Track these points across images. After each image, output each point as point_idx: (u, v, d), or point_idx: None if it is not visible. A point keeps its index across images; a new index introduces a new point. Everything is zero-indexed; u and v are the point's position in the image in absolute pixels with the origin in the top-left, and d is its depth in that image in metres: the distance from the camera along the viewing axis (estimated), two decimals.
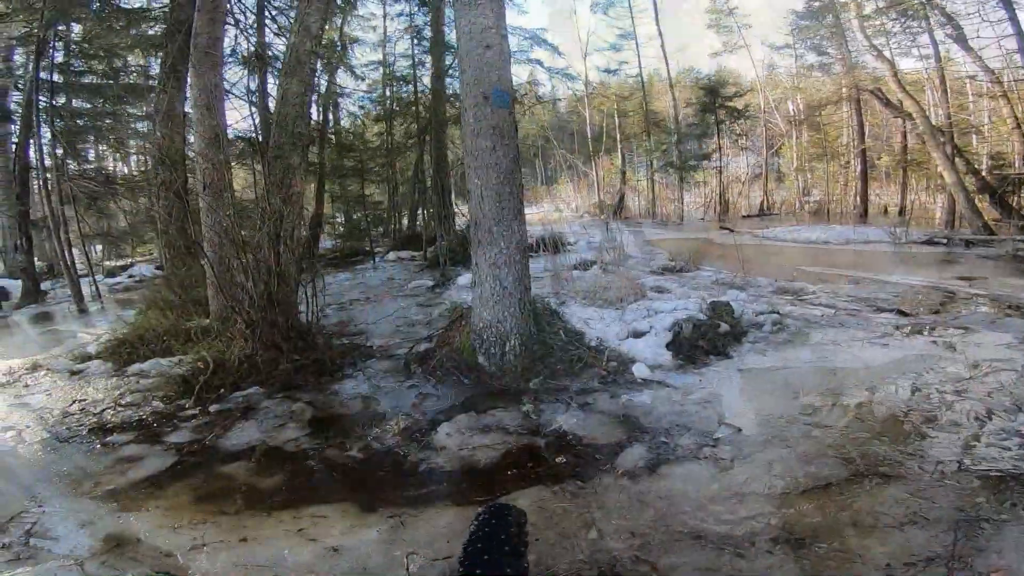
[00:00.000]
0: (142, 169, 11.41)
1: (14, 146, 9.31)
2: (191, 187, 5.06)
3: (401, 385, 3.09)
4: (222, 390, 2.94)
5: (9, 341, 5.41)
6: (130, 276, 10.50)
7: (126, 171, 12.47)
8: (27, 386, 3.50)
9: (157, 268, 11.06)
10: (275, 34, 8.96)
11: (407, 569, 1.49)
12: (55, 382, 3.55)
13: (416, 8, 11.04)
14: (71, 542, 1.73)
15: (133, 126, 11.37)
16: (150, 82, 9.91)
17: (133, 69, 10.35)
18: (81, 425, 2.77)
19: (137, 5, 8.55)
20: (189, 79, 4.49)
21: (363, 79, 11.82)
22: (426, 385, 3.02)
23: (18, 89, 9.37)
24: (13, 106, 9.59)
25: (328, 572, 1.55)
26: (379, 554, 1.63)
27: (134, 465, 2.35)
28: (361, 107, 12.14)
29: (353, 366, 3.35)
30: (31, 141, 8.05)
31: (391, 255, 10.27)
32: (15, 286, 8.63)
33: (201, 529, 1.79)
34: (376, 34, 11.92)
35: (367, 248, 10.50)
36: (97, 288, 8.02)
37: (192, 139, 4.49)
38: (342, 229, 11.84)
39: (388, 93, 11.69)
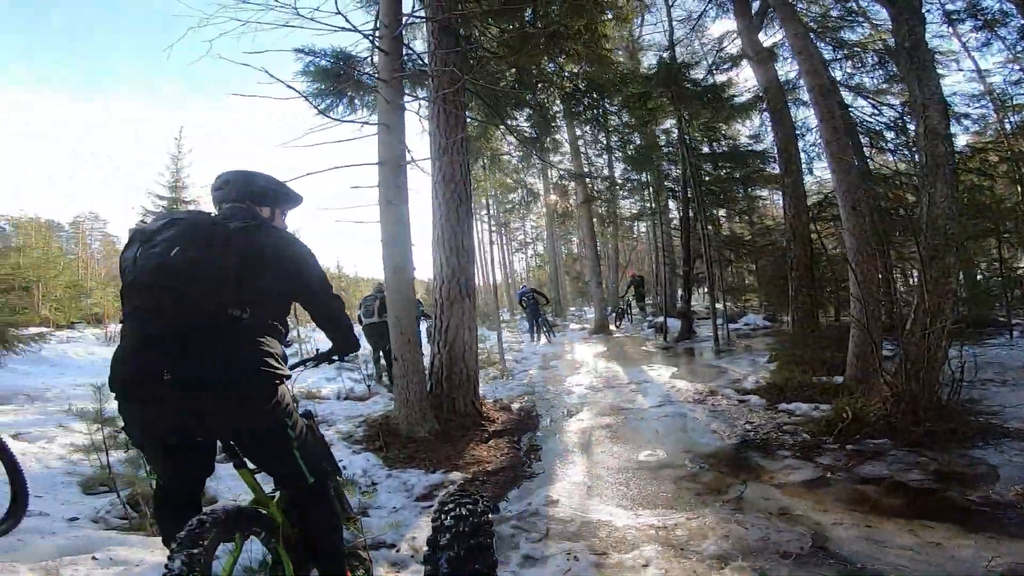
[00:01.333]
0: (758, 230, 14.39)
1: (673, 217, 14.23)
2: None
3: None
4: (857, 436, 4.17)
5: (685, 368, 8.65)
6: (745, 324, 13.58)
7: (742, 228, 15.99)
8: (713, 406, 5.83)
9: (765, 319, 13.70)
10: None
11: (986, 565, 2.29)
12: (729, 405, 5.76)
13: None
14: (761, 505, 3.28)
15: (751, 191, 14.56)
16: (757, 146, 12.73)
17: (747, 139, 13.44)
18: (755, 438, 4.57)
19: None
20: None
21: None
22: None
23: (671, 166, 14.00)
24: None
25: (925, 557, 2.46)
26: (968, 554, 2.44)
27: (794, 471, 3.87)
28: None
29: (984, 440, 3.89)
30: (689, 211, 12.01)
31: None
32: (675, 324, 12.91)
33: (839, 516, 3.01)
34: None
35: (1000, 317, 9.02)
36: (728, 332, 11.06)
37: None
38: (963, 293, 10.60)
39: None
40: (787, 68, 10.17)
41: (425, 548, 1.06)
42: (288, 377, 1.78)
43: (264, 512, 1.77)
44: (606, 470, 4.02)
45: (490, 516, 1.12)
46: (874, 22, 9.13)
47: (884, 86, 9.50)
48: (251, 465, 1.82)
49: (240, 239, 1.69)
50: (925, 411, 4.04)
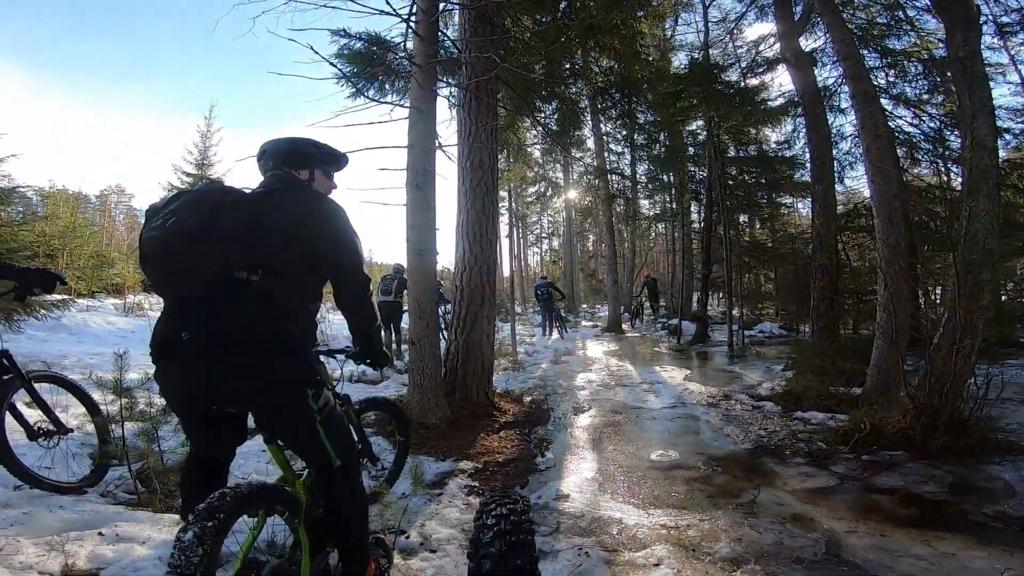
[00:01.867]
0: (781, 237, 14.21)
1: (694, 220, 14.07)
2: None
3: None
4: (874, 447, 4.15)
5: (699, 371, 8.59)
6: (760, 331, 13.44)
7: (763, 235, 15.80)
8: (726, 410, 5.78)
9: (781, 327, 13.54)
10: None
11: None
12: (743, 410, 5.72)
13: None
14: (775, 510, 3.24)
15: (775, 197, 14.36)
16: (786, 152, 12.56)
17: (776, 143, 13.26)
18: (770, 444, 4.53)
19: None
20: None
21: None
22: None
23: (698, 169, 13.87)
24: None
25: (938, 566, 2.45)
26: (981, 565, 2.44)
27: (808, 479, 3.83)
28: None
29: (1002, 456, 3.87)
30: (712, 215, 11.88)
31: None
32: (688, 327, 12.82)
33: (853, 524, 2.98)
34: None
35: (1022, 339, 8.88)
36: (743, 339, 10.94)
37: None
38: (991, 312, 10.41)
39: None
40: (824, 74, 10.01)
41: (468, 547, 1.08)
42: (312, 351, 1.78)
43: (289, 491, 1.75)
44: (617, 467, 4.00)
45: (531, 515, 1.14)
46: (921, 32, 8.98)
47: (926, 96, 9.29)
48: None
49: (254, 201, 1.69)
50: (946, 426, 3.98)
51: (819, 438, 4.56)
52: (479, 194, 5.72)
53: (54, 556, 2.03)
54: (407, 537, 2.66)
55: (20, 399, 2.88)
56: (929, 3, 5.84)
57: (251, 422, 1.81)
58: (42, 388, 3.01)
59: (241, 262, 1.60)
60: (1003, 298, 10.12)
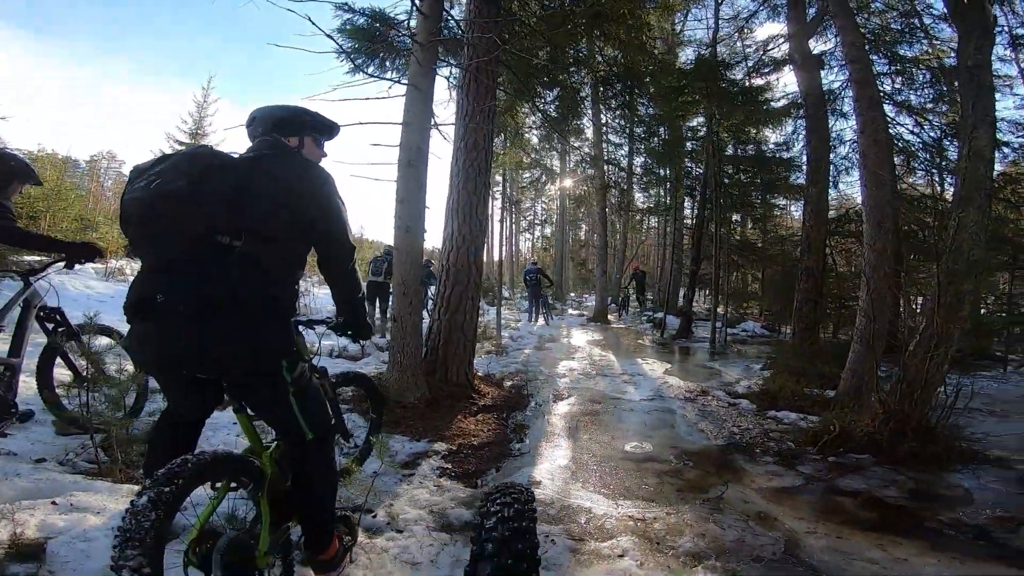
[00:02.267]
0: (771, 239, 14.27)
1: (687, 215, 14.07)
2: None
3: (1008, 489, 3.54)
4: (841, 449, 4.22)
5: (679, 366, 8.66)
6: (743, 330, 13.56)
7: (754, 235, 15.89)
8: (703, 405, 5.82)
9: (764, 327, 13.67)
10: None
11: None
12: (719, 407, 5.78)
13: None
14: (740, 507, 3.29)
15: (769, 199, 14.39)
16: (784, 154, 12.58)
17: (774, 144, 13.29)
18: (742, 442, 4.59)
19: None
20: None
21: None
22: None
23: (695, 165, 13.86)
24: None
25: (889, 571, 2.49)
26: (931, 572, 2.49)
27: (775, 478, 3.88)
28: None
29: (964, 465, 3.97)
30: (705, 212, 11.90)
31: None
32: (673, 322, 12.90)
33: (813, 525, 3.01)
34: None
35: (997, 351, 9.07)
36: (725, 336, 11.03)
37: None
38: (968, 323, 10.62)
39: None
40: (830, 77, 9.99)
41: (471, 534, 1.14)
42: (290, 320, 1.73)
43: (255, 462, 1.72)
44: (591, 457, 4.02)
45: (534, 505, 1.18)
46: (935, 40, 8.99)
47: (929, 105, 9.31)
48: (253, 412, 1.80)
49: (243, 166, 1.65)
50: (914, 432, 4.05)
51: (790, 438, 4.62)
52: (471, 175, 5.64)
53: (4, 525, 1.96)
54: (374, 516, 2.64)
55: None
56: (946, 10, 5.79)
57: None
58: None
59: (227, 226, 1.56)
60: (983, 311, 10.30)
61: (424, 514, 2.75)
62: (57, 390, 3.14)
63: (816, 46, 9.24)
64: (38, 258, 3.22)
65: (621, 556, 2.47)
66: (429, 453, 3.88)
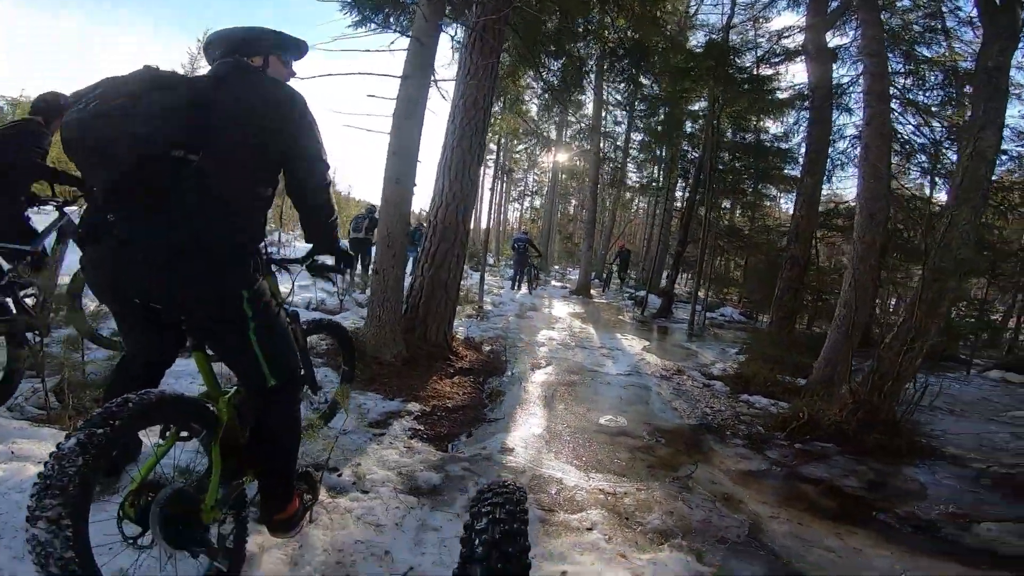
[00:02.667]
0: (758, 227, 14.28)
1: (679, 195, 13.97)
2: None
3: (961, 486, 3.64)
4: (808, 436, 4.26)
5: (657, 344, 8.70)
6: (721, 315, 13.69)
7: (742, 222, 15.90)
8: (678, 384, 5.82)
9: (742, 314, 13.81)
10: None
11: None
12: (693, 387, 5.79)
13: None
14: (708, 487, 3.30)
15: (761, 188, 14.35)
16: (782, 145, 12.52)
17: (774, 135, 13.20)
18: (713, 423, 4.60)
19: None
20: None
21: None
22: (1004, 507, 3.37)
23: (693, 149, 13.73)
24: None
25: (844, 561, 2.52)
26: (883, 564, 2.54)
27: (743, 460, 3.90)
28: None
29: (922, 460, 4.09)
30: (697, 195, 11.82)
31: (994, 372, 8.73)
32: (655, 301, 12.94)
33: (776, 510, 3.03)
34: None
35: (962, 355, 9.31)
36: (704, 319, 11.09)
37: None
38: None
39: None
40: (840, 72, 9.89)
41: (462, 532, 1.08)
42: (253, 253, 1.57)
43: (210, 408, 1.56)
44: (565, 427, 3.98)
45: (526, 506, 1.13)
46: (955, 42, 8.91)
47: (935, 108, 9.25)
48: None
49: (201, 83, 1.50)
50: (880, 424, 4.14)
51: (760, 422, 4.65)
52: (468, 133, 5.44)
53: None
54: (339, 475, 2.55)
55: None
56: (976, 11, 5.68)
57: None
58: None
59: (181, 139, 1.40)
60: (953, 315, 10.51)
61: (392, 475, 2.67)
62: None
63: (831, 40, 9.09)
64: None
65: (590, 529, 2.43)
66: (402, 413, 3.79)
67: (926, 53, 9.08)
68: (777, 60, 10.29)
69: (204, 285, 1.44)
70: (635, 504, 2.79)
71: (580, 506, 2.68)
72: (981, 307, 9.52)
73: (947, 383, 7.76)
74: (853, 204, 9.65)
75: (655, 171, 17.63)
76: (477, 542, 1.01)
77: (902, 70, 9.23)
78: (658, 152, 15.84)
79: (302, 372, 1.76)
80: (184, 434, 1.49)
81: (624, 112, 16.10)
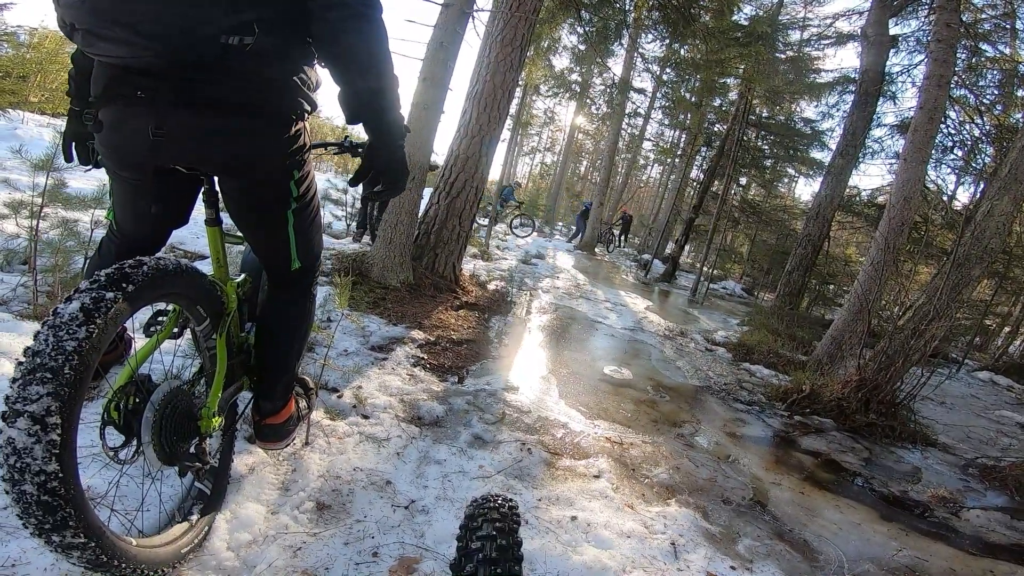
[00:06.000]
0: (774, 206, 13.79)
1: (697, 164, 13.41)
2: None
3: (954, 474, 3.57)
4: (807, 410, 4.06)
5: (660, 305, 8.44)
6: (723, 288, 13.40)
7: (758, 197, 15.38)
8: (681, 345, 5.60)
9: (744, 289, 13.52)
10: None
11: (893, 555, 2.28)
12: (696, 350, 5.59)
13: None
14: (712, 448, 3.14)
15: (780, 167, 13.77)
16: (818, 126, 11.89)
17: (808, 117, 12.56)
18: (716, 387, 4.42)
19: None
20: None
21: None
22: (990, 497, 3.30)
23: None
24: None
25: (845, 533, 2.39)
26: (880, 540, 2.42)
27: (745, 426, 3.72)
28: None
29: (915, 444, 3.97)
30: (718, 166, 11.28)
31: (983, 374, 8.55)
32: (659, 267, 12.63)
33: (778, 477, 2.88)
34: None
35: (954, 356, 9.14)
36: (706, 289, 10.81)
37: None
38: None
39: None
40: (893, 60, 9.28)
41: (456, 542, 0.99)
42: (310, 112, 1.24)
43: (219, 290, 1.27)
44: (570, 373, 3.75)
45: (518, 518, 1.01)
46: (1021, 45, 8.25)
47: (983, 107, 8.65)
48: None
49: None
50: (880, 404, 3.96)
51: (761, 391, 4.45)
52: (501, 69, 4.98)
53: None
54: (339, 396, 2.31)
55: None
56: None
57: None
58: None
59: (229, 24, 1.00)
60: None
61: (394, 402, 2.44)
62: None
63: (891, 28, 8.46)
64: None
65: (597, 477, 2.22)
66: (406, 340, 3.54)
67: (989, 51, 8.45)
68: (827, 43, 9.61)
69: (267, 139, 1.16)
70: (641, 456, 2.59)
71: (586, 452, 2.47)
72: (986, 308, 9.27)
73: (937, 378, 7.63)
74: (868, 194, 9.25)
75: (678, 136, 16.86)
76: (469, 558, 0.92)
77: (960, 66, 8.60)
78: (682, 117, 15.04)
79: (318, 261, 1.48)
80: (185, 320, 1.20)
81: (654, 74, 15.16)
